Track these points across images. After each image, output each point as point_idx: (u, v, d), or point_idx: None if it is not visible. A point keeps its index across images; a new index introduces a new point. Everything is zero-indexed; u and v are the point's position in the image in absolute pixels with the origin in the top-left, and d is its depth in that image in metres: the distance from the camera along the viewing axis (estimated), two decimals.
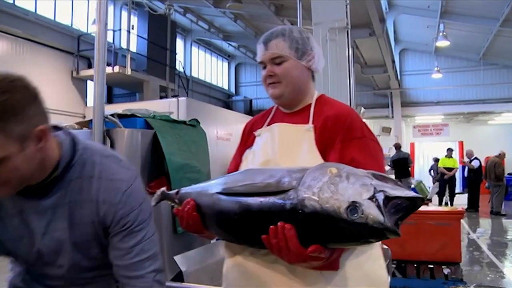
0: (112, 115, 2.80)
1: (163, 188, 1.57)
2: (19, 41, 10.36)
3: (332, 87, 4.00)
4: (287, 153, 1.50)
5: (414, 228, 4.90)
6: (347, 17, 4.07)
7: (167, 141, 2.81)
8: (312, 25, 4.46)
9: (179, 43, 16.82)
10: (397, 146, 13.37)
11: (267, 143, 1.56)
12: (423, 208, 6.34)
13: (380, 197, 1.03)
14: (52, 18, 11.79)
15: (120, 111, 2.92)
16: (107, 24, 2.83)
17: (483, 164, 13.36)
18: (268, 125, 1.65)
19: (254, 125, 1.73)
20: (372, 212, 1.01)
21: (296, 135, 1.52)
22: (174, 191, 1.52)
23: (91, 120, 2.76)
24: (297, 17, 6.40)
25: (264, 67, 1.59)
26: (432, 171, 14.85)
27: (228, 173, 1.67)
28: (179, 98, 9.17)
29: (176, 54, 14.83)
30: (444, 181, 13.33)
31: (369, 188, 1.05)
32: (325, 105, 1.58)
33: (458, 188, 14.56)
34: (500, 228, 10.38)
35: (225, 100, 20.91)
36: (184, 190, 1.48)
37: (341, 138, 1.45)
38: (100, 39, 2.76)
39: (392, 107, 19.67)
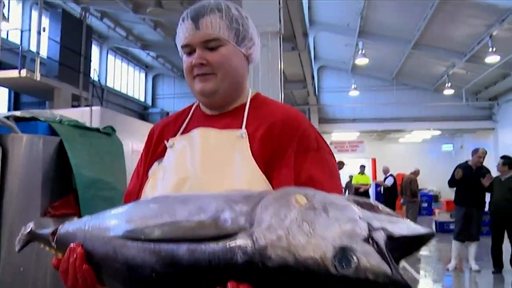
0: (7, 117, 2.29)
1: (31, 225, 1.10)
2: None
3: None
4: (212, 167, 1.11)
5: None
6: (280, 22, 3.82)
7: (75, 151, 2.34)
8: None
9: (95, 50, 15.99)
10: None
11: (185, 154, 1.16)
12: None
13: (381, 238, 0.69)
14: None
15: (18, 114, 2.41)
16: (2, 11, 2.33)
17: (396, 181, 13.87)
18: (185, 131, 1.24)
19: (164, 131, 1.29)
20: (372, 261, 0.67)
21: (224, 144, 1.14)
22: (49, 230, 1.07)
23: None
24: None
25: (189, 53, 1.18)
26: (347, 189, 15.16)
27: (128, 196, 1.25)
28: (92, 108, 8.51)
29: (91, 61, 13.99)
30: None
31: (360, 225, 0.71)
32: (263, 106, 1.23)
33: None
34: None
35: (141, 112, 20.24)
36: (65, 228, 1.03)
37: (294, 149, 1.11)
38: None
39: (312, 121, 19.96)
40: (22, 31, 11.42)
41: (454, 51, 13.75)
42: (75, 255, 0.93)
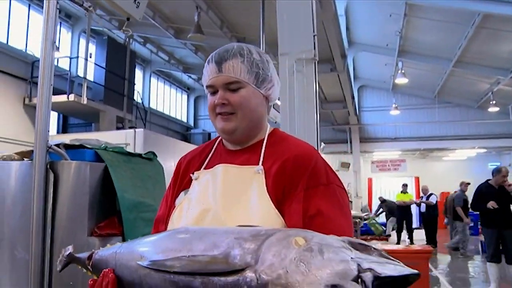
0: (58, 145, 2.48)
1: (70, 248, 1.24)
2: None
3: (298, 120, 3.81)
4: (231, 201, 1.22)
5: None
6: (314, 48, 3.92)
7: (119, 176, 2.50)
8: (276, 59, 4.32)
9: (138, 73, 16.50)
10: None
11: (208, 187, 1.28)
12: (389, 247, 6.19)
13: (368, 278, 0.78)
14: (5, 42, 11.29)
15: (67, 141, 2.59)
16: (54, 42, 2.54)
17: (438, 199, 13.56)
18: (208, 164, 1.36)
19: (190, 164, 1.42)
20: None
21: (242, 179, 1.25)
22: (86, 254, 1.21)
23: (32, 151, 2.44)
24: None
25: (213, 93, 1.31)
26: (381, 210, 15.03)
27: (157, 222, 1.39)
28: (136, 130, 8.82)
29: (134, 84, 14.49)
30: (402, 216, 13.38)
31: (351, 266, 0.80)
32: (280, 143, 1.32)
33: (414, 224, 14.62)
34: (461, 264, 10.37)
35: (183, 133, 20.59)
36: (100, 254, 1.16)
37: (304, 186, 1.19)
38: (46, 59, 2.45)
39: (351, 142, 19.86)
40: (71, 58, 11.96)
41: (498, 67, 13.44)
42: (107, 280, 1.05)
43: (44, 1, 2.43)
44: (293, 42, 3.99)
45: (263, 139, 1.33)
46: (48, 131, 2.44)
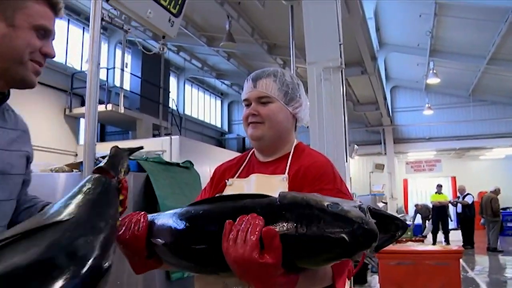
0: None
1: None
2: None
3: (327, 126, 3.97)
4: None
5: (413, 268, 4.80)
6: (341, 57, 4.07)
7: (160, 184, 2.74)
8: (306, 64, 4.47)
9: (172, 81, 16.89)
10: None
11: (242, 192, 1.46)
12: (421, 247, 6.25)
13: (365, 207, 1.01)
14: None
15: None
16: (99, 64, 2.79)
17: (476, 199, 13.35)
18: (242, 174, 1.57)
19: (225, 172, 1.63)
20: (353, 210, 0.98)
21: (271, 186, 1.42)
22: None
23: (81, 162, 2.69)
24: (289, 56, 6.45)
25: (248, 105, 1.53)
26: (418, 212, 14.92)
27: None
28: (172, 137, 9.10)
29: (169, 92, 14.87)
30: (437, 217, 13.25)
31: (355, 202, 1.05)
32: (301, 155, 1.53)
33: (451, 224, 14.47)
34: (498, 265, 10.25)
35: (218, 138, 20.86)
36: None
37: (309, 190, 1.35)
38: (92, 80, 2.71)
39: (384, 143, 19.73)
40: (108, 69, 12.40)
41: None
42: (140, 215, 1.25)
43: (90, 30, 2.68)
44: (319, 51, 4.16)
45: (289, 152, 1.54)
46: (96, 144, 2.69)
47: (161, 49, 5.03)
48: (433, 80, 13.87)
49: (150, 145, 8.03)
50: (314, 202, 1.00)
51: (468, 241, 12.25)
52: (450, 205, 13.79)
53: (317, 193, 1.26)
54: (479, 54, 13.20)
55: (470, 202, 12.56)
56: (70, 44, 12.71)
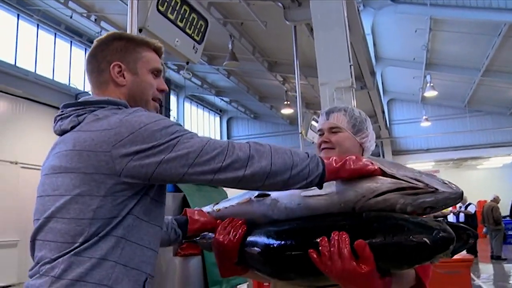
0: None
1: None
2: (19, 101, 10.51)
3: None
4: None
5: None
6: (351, 77, 4.28)
7: (195, 203, 2.93)
8: (306, 80, 4.65)
9: (172, 99, 17.08)
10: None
11: None
12: None
13: (440, 219, 1.23)
14: (51, 78, 12.01)
15: None
16: None
17: (477, 208, 13.52)
18: None
19: None
20: (432, 220, 1.16)
21: None
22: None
23: None
24: (289, 73, 6.64)
25: (321, 135, 1.74)
26: None
27: None
28: None
29: (170, 110, 15.04)
30: None
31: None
32: None
33: None
34: (503, 272, 10.41)
35: None
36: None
37: None
38: None
39: (383, 156, 19.94)
40: None
41: None
42: (239, 223, 1.47)
43: None
44: (331, 72, 4.36)
45: None
46: None
47: (187, 74, 5.23)
48: (430, 93, 14.14)
49: None
50: (396, 214, 1.16)
51: (472, 250, 12.40)
52: (451, 214, 13.93)
53: None
54: (474, 67, 13.53)
55: (473, 212, 12.72)
56: (73, 65, 12.91)
